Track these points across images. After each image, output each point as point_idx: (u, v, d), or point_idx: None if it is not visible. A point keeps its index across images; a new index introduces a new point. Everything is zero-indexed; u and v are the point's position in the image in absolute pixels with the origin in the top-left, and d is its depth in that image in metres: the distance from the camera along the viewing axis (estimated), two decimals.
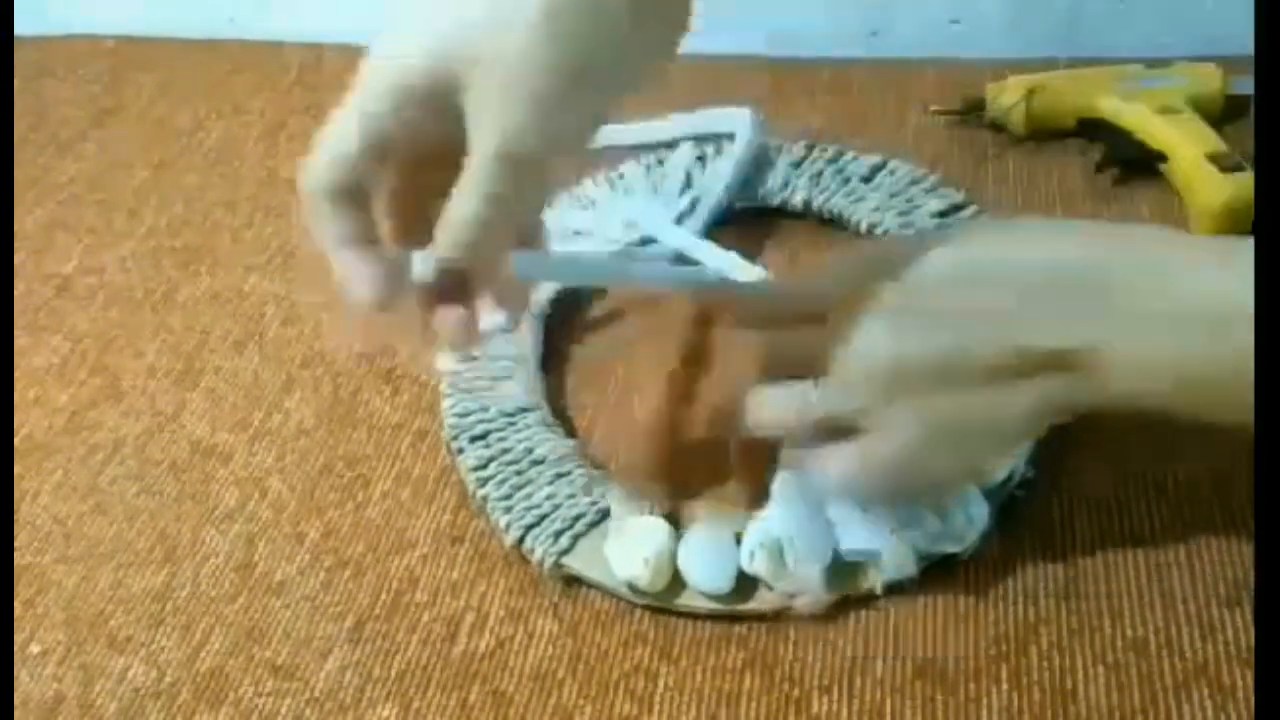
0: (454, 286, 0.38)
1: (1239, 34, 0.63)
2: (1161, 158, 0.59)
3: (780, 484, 0.46)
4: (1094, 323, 0.36)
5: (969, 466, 0.44)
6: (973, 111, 0.65)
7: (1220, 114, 0.61)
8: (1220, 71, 0.62)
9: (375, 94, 0.36)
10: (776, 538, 0.44)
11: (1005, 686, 0.42)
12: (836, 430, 0.40)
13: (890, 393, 0.39)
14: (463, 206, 0.35)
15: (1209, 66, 0.62)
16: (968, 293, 0.38)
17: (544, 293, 0.57)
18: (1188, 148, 0.58)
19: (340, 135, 0.37)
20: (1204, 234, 0.57)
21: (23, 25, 0.82)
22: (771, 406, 0.43)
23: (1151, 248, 0.37)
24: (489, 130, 0.34)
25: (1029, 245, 0.38)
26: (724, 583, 0.45)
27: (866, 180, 0.61)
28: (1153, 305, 0.36)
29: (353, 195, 0.37)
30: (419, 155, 0.37)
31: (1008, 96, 0.64)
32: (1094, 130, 0.62)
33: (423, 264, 0.37)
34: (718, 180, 0.60)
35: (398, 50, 0.36)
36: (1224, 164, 0.56)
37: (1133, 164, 0.60)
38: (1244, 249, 0.35)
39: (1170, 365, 0.36)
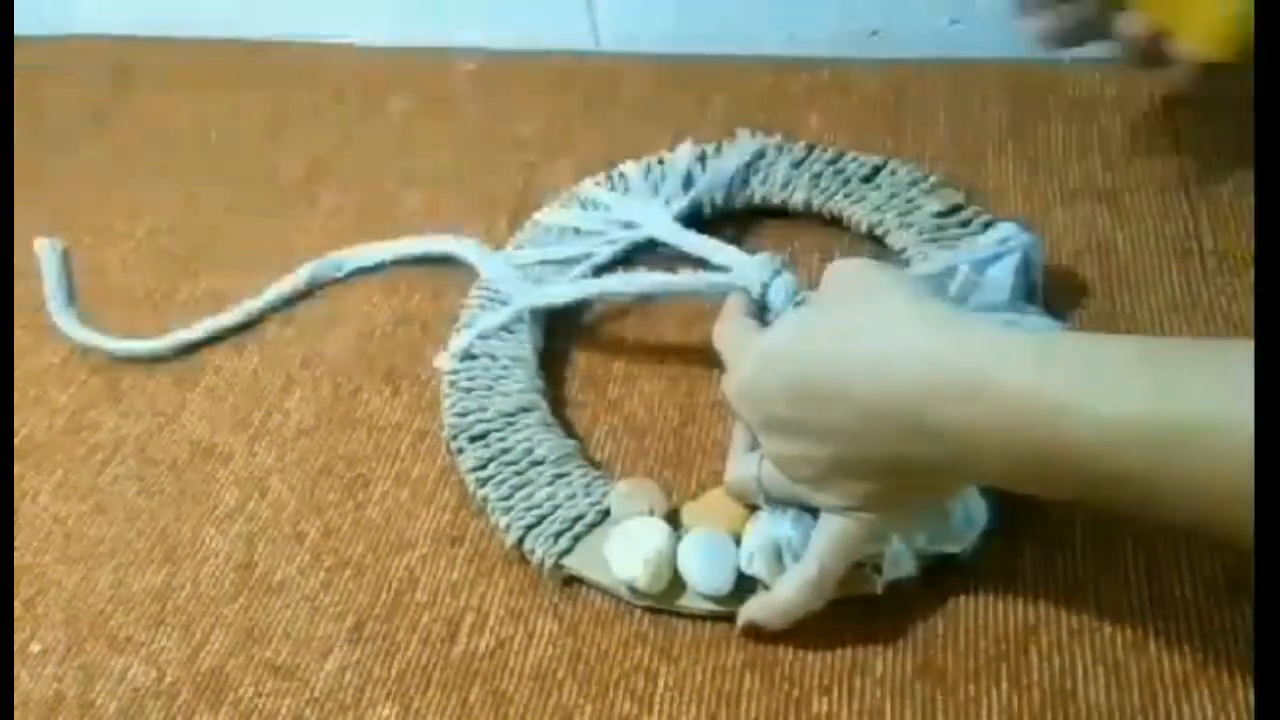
0: None
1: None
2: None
3: None
4: (946, 451, 0.36)
5: (919, 515, 0.44)
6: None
7: None
8: None
9: None
10: (775, 539, 0.44)
11: (1005, 686, 0.42)
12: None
13: (802, 482, 0.42)
14: None
15: None
16: (824, 414, 0.39)
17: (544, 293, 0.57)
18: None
19: None
20: (1204, 48, 0.51)
21: (23, 25, 0.83)
22: (733, 474, 0.47)
23: (972, 360, 0.36)
24: None
25: (884, 361, 0.37)
26: (723, 584, 0.45)
27: (866, 180, 0.61)
28: (969, 423, 0.35)
29: None
30: None
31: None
32: None
33: None
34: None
35: None
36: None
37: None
38: (1063, 343, 0.35)
39: (1001, 470, 0.36)
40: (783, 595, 0.44)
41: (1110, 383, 0.33)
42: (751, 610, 0.45)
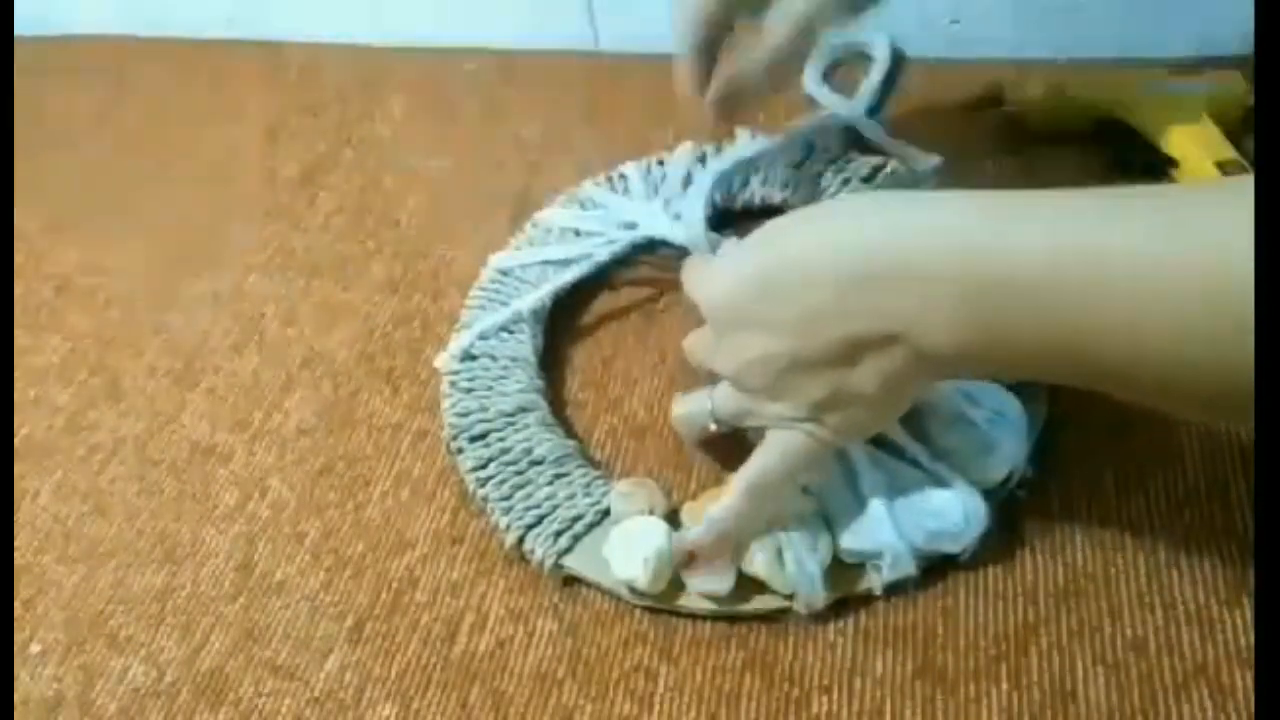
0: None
1: (1239, 34, 0.63)
2: (1172, 163, 0.58)
3: None
4: (891, 307, 0.38)
5: (863, 430, 0.45)
6: (991, 106, 0.65)
7: (1240, 123, 0.60)
8: (1244, 80, 0.61)
9: None
10: (776, 539, 0.44)
11: (1005, 686, 0.42)
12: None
13: (756, 392, 0.43)
14: (765, 46, 0.48)
15: (1234, 74, 0.61)
16: (780, 299, 0.40)
17: (544, 292, 0.57)
18: (1197, 154, 0.57)
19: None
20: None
21: (23, 25, 0.83)
22: (681, 412, 0.48)
23: (948, 217, 0.37)
24: None
25: (826, 238, 0.40)
26: (723, 583, 0.45)
27: (866, 180, 0.61)
28: (945, 280, 0.36)
29: (709, 50, 0.50)
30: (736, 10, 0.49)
31: (1027, 93, 0.63)
32: (1111, 131, 0.62)
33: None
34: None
35: None
36: (1230, 172, 0.56)
37: (1144, 168, 0.60)
38: (1042, 200, 0.36)
39: (977, 332, 0.37)
40: (717, 509, 0.44)
41: (1058, 210, 0.35)
42: (687, 535, 0.45)
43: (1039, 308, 0.35)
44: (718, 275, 0.43)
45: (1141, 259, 0.33)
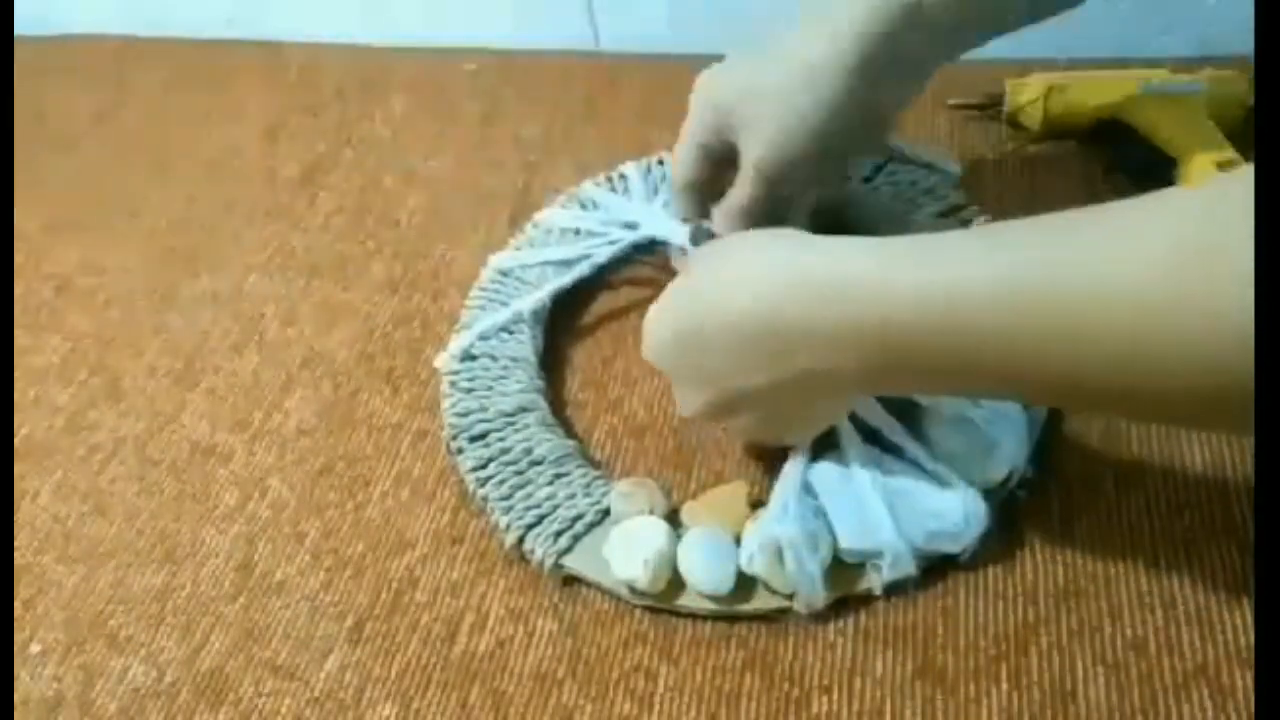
0: None
1: (1239, 34, 0.63)
2: (1172, 163, 0.58)
3: (780, 485, 0.46)
4: (774, 365, 0.41)
5: (805, 433, 0.48)
6: (991, 107, 0.65)
7: (1240, 123, 0.60)
8: (1245, 79, 0.61)
9: (701, 118, 0.53)
10: (776, 539, 0.44)
11: (1005, 686, 0.42)
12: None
13: (711, 419, 0.47)
14: (734, 198, 0.52)
15: (1234, 74, 0.61)
16: (694, 354, 0.44)
17: (544, 293, 0.57)
18: (1197, 155, 0.57)
19: (686, 146, 0.54)
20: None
21: (23, 25, 0.83)
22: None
23: (841, 267, 0.40)
24: (751, 151, 0.50)
25: (725, 302, 0.42)
26: (724, 583, 0.45)
27: (866, 180, 0.61)
28: (821, 313, 0.39)
29: (696, 185, 0.54)
30: (720, 158, 0.53)
31: (1027, 93, 0.63)
32: (1111, 131, 0.62)
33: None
34: None
35: (715, 90, 0.52)
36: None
37: (1143, 168, 0.60)
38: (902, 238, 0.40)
39: (859, 357, 0.40)
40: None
41: (935, 253, 0.38)
42: None
43: (932, 344, 0.37)
44: (646, 330, 0.46)
45: (1005, 289, 0.35)
